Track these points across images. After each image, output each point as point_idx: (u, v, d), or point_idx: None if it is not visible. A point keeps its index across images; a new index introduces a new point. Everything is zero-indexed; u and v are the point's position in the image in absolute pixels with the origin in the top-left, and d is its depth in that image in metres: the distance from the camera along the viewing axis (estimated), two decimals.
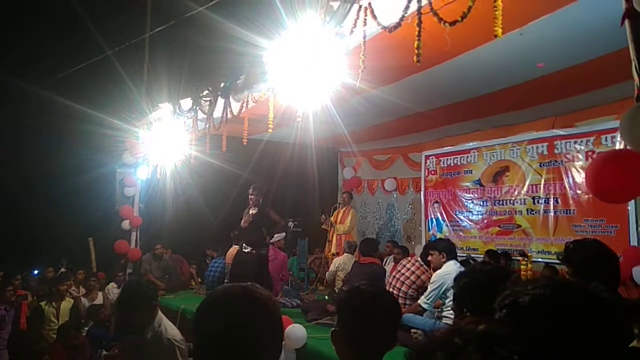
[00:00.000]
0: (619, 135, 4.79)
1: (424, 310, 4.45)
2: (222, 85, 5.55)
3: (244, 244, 6.16)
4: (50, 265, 7.53)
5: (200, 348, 1.20)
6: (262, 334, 1.17)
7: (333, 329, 1.73)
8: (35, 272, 7.65)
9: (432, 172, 8.55)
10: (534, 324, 0.96)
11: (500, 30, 2.61)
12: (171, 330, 2.93)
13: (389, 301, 1.75)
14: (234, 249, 6.73)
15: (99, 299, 6.88)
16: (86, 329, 6.16)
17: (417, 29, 3.13)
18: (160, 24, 6.65)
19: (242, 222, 6.25)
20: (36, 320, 6.02)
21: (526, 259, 6.44)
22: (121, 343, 3.06)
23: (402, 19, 3.24)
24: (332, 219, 8.77)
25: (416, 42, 3.16)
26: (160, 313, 2.96)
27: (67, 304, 6.45)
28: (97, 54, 7.25)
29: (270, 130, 4.82)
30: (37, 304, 6.36)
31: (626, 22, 2.11)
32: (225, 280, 6.53)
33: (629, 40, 2.08)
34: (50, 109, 7.42)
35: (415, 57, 3.19)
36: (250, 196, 6.18)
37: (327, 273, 7.17)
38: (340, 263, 6.80)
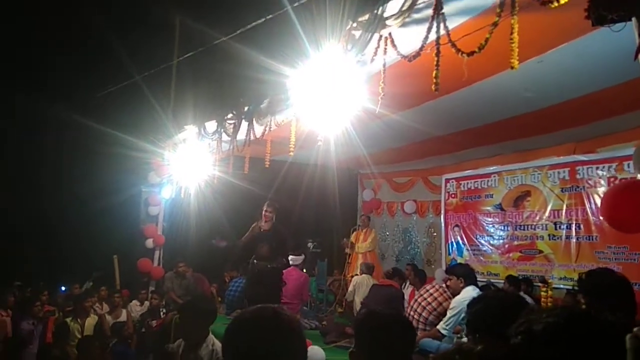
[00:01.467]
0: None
1: (443, 336, 4.44)
2: (246, 109, 5.72)
3: (255, 261, 6.22)
4: (77, 282, 7.71)
5: None
6: (288, 355, 1.23)
7: (351, 349, 1.79)
8: (63, 288, 7.84)
9: (453, 196, 8.54)
10: (544, 351, 1.03)
11: (516, 63, 2.68)
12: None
13: (404, 324, 1.81)
14: None
15: (123, 317, 7.00)
16: (110, 345, 6.28)
17: (436, 58, 3.23)
18: (187, 52, 6.90)
19: (244, 237, 6.34)
20: (61, 336, 6.15)
21: (546, 285, 6.36)
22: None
23: (421, 48, 3.34)
24: (352, 239, 8.80)
25: (434, 72, 3.25)
26: (211, 333, 3.03)
27: (91, 320, 6.59)
28: (126, 79, 7.54)
29: (291, 153, 4.94)
30: (63, 319, 6.51)
31: None
32: (245, 300, 6.59)
33: None
34: (83, 133, 7.71)
35: (433, 85, 3.29)
36: (265, 212, 6.28)
37: (346, 294, 7.22)
38: (357, 283, 6.83)
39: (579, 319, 1.05)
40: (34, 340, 6.14)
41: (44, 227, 8.07)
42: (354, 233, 8.96)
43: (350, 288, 6.99)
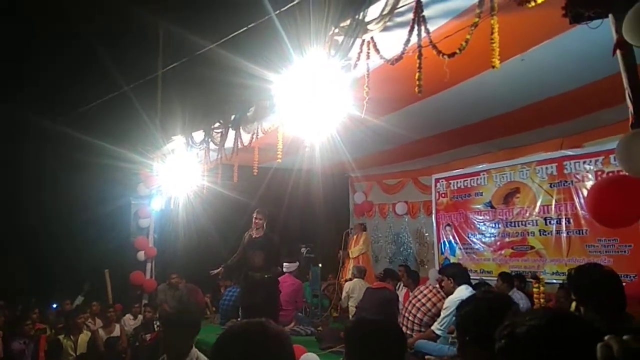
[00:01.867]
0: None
1: (438, 336, 4.44)
2: (232, 117, 5.70)
3: (249, 272, 6.15)
4: (67, 298, 7.62)
5: None
6: None
7: (342, 359, 1.78)
8: (54, 305, 7.74)
9: (443, 195, 8.57)
10: (528, 354, 1.02)
11: (497, 62, 2.70)
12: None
13: (393, 330, 1.80)
14: None
15: (116, 331, 6.93)
16: None
17: (418, 61, 3.24)
18: (173, 60, 6.87)
19: (234, 255, 6.32)
20: (54, 353, 6.08)
21: (538, 281, 6.39)
22: None
23: (403, 52, 3.36)
24: (348, 248, 8.79)
25: (417, 74, 3.26)
26: (194, 347, 2.95)
27: (84, 336, 6.51)
28: (114, 89, 7.48)
29: (279, 160, 4.93)
30: (55, 337, 6.43)
31: (618, 52, 2.19)
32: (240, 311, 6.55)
33: (621, 69, 2.15)
34: (68, 144, 7.62)
35: (416, 87, 3.30)
36: (255, 219, 6.23)
37: (341, 300, 7.21)
38: (350, 288, 6.81)
39: (561, 322, 1.05)
40: (26, 359, 6.05)
41: (29, 242, 7.95)
42: (348, 238, 8.96)
43: (344, 294, 6.97)
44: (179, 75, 6.88)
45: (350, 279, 7.87)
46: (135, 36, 7.71)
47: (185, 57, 6.33)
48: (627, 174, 2.10)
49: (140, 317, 7.50)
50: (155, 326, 7.00)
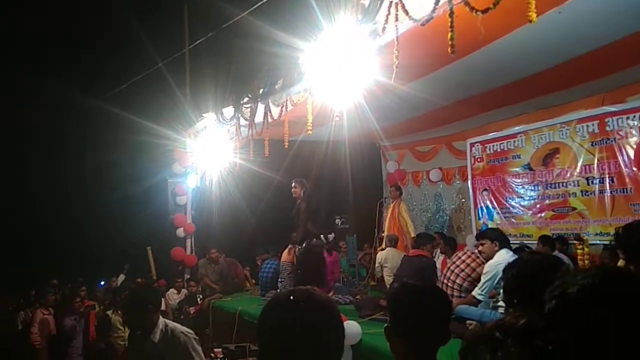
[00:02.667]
0: None
1: (479, 301, 4.40)
2: (261, 91, 5.68)
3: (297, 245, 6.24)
4: (113, 275, 7.92)
5: (265, 350, 1.26)
6: (325, 334, 1.21)
7: (386, 325, 1.77)
8: (102, 283, 8.07)
9: (479, 160, 8.38)
10: (580, 314, 0.98)
11: (534, 16, 2.56)
12: (180, 327, 3.05)
13: (438, 295, 1.78)
14: (293, 248, 6.86)
15: (162, 306, 7.17)
16: None
17: (450, 19, 3.11)
18: (203, 34, 6.88)
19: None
20: (104, 328, 6.35)
21: (582, 242, 6.22)
22: (130, 349, 3.13)
23: (433, 11, 3.23)
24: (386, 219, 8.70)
25: (449, 34, 3.14)
26: (161, 318, 3.02)
27: None
28: (149, 66, 7.58)
29: (309, 131, 4.89)
30: (104, 313, 6.71)
31: None
32: (279, 280, 6.65)
33: None
34: (106, 122, 7.82)
35: (449, 48, 3.18)
36: (292, 189, 6.30)
37: (375, 270, 7.21)
38: (383, 258, 6.79)
39: (615, 279, 1.00)
40: (78, 335, 6.36)
41: (72, 221, 8.24)
42: (385, 207, 8.88)
43: (377, 264, 6.96)
44: (209, 47, 6.89)
45: (383, 249, 7.88)
46: (166, 9, 7.76)
47: (215, 28, 6.31)
48: None
49: (183, 291, 7.74)
50: (199, 299, 7.22)
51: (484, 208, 8.24)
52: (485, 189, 8.22)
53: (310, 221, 6.21)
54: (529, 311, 0.92)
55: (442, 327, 1.73)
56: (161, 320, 2.99)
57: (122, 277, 8.16)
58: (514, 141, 7.72)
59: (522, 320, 0.62)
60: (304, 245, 6.14)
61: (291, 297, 1.27)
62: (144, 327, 2.94)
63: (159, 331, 2.92)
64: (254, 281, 8.46)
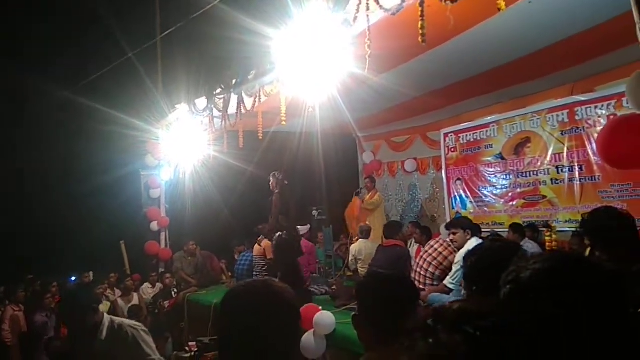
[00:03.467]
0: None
1: (451, 290, 4.46)
2: (234, 82, 5.61)
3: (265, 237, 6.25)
4: (85, 270, 7.77)
5: (224, 337, 1.28)
6: (281, 326, 1.24)
7: (353, 313, 1.77)
8: (73, 278, 7.91)
9: (452, 150, 8.47)
10: (534, 298, 0.98)
11: (503, 4, 2.57)
12: (127, 321, 3.04)
13: (404, 283, 1.78)
14: (262, 242, 6.82)
15: (135, 300, 7.09)
16: None
17: (420, 9, 3.11)
18: (174, 22, 6.76)
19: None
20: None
21: (550, 229, 6.36)
22: (76, 350, 3.10)
23: (404, 0, 3.22)
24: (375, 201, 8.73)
25: (420, 23, 3.14)
26: (106, 314, 3.00)
27: (104, 307, 6.65)
28: (120, 56, 7.42)
29: (283, 122, 4.86)
30: None
31: None
32: (254, 273, 6.63)
33: (632, 3, 2.03)
34: (78, 112, 7.64)
35: (420, 37, 3.18)
36: (269, 182, 6.34)
37: (349, 263, 7.23)
38: (357, 250, 6.80)
39: (568, 264, 1.00)
40: (49, 331, 6.24)
41: (40, 213, 8.05)
42: (359, 197, 8.92)
43: (350, 257, 6.96)
44: (181, 36, 6.77)
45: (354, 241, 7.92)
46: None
47: (187, 16, 6.20)
48: (638, 112, 2.02)
49: (158, 285, 7.66)
50: (173, 293, 7.14)
51: (458, 197, 8.34)
52: (459, 179, 8.31)
53: (283, 214, 6.21)
54: (475, 297, 0.91)
55: (410, 315, 1.74)
56: (106, 317, 2.96)
57: (91, 275, 7.95)
58: (487, 131, 7.81)
59: (456, 306, 0.61)
60: (276, 237, 6.12)
61: (249, 288, 1.29)
62: (87, 328, 2.87)
63: (105, 329, 2.89)
64: (230, 274, 8.41)
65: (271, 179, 6.41)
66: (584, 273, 0.94)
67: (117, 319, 3.01)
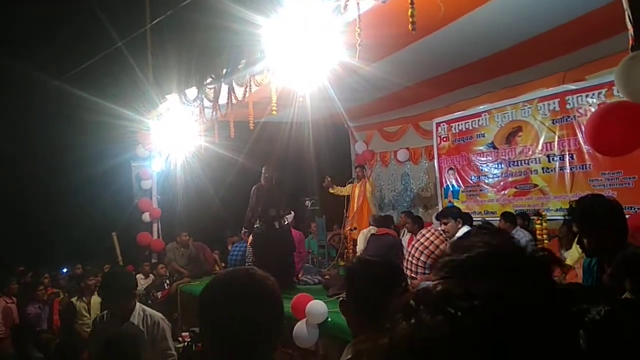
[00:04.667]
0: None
1: None
2: (224, 71, 5.57)
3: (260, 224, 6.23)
4: (77, 262, 7.74)
5: (206, 326, 1.28)
6: (261, 311, 1.23)
7: (341, 299, 1.77)
8: (64, 270, 7.89)
9: (444, 139, 8.48)
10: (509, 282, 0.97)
11: None
12: (157, 313, 3.19)
13: (391, 269, 1.78)
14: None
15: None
16: None
17: None
18: (163, 11, 6.68)
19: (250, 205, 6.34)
20: (69, 315, 6.24)
21: (540, 218, 6.40)
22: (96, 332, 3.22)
23: None
24: (345, 190, 8.72)
25: (410, 10, 3.13)
26: (137, 302, 3.15)
27: (97, 298, 6.66)
28: (109, 45, 7.33)
29: (274, 112, 4.84)
30: (69, 300, 6.59)
31: None
32: (247, 263, 6.65)
33: None
34: (68, 102, 7.56)
35: (410, 25, 3.17)
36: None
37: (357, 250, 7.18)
38: (367, 237, 6.77)
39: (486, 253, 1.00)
40: (42, 322, 6.23)
41: (31, 204, 8.00)
42: (350, 186, 8.91)
43: (360, 245, 6.94)
44: (171, 25, 6.70)
45: (356, 229, 7.92)
46: None
47: (177, 5, 6.12)
48: (626, 99, 2.02)
49: (151, 276, 7.65)
50: (166, 284, 7.14)
51: (450, 187, 8.37)
52: (451, 168, 8.34)
53: (272, 205, 6.21)
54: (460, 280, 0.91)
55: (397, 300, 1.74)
56: (138, 305, 3.10)
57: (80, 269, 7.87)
58: (478, 120, 7.83)
59: (440, 287, 0.61)
60: (254, 230, 6.14)
61: (231, 277, 1.30)
62: (120, 311, 3.03)
63: (137, 314, 3.03)
64: (223, 264, 8.41)
65: (262, 175, 6.37)
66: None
67: (148, 309, 3.13)
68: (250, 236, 6.58)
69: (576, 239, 5.45)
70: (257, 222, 6.21)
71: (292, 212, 7.23)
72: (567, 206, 6.42)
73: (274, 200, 6.18)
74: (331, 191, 8.77)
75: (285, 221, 6.22)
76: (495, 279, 0.61)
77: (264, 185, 6.25)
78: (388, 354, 0.59)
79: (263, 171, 6.32)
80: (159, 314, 3.17)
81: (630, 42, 2.03)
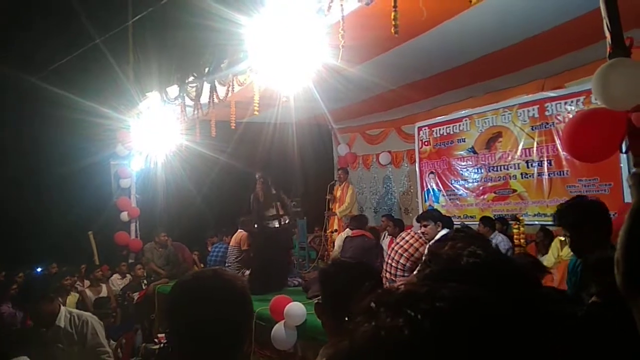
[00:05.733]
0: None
1: None
2: (206, 70, 5.52)
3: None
4: (52, 261, 7.58)
5: (174, 326, 1.26)
6: (230, 310, 1.22)
7: (316, 301, 1.76)
8: (39, 269, 7.71)
9: (426, 143, 8.54)
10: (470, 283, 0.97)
11: None
12: (84, 312, 3.28)
13: (366, 270, 1.78)
14: (240, 233, 6.79)
15: (104, 292, 6.96)
16: None
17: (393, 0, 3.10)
18: (144, 8, 6.58)
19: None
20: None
21: (518, 222, 6.49)
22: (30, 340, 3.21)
23: None
24: (330, 196, 8.76)
25: (393, 14, 3.14)
26: (62, 306, 3.18)
27: (72, 298, 6.54)
28: (87, 42, 7.19)
29: (256, 112, 4.81)
30: None
31: None
32: (227, 264, 6.59)
33: (600, 1, 2.06)
34: (42, 99, 7.40)
35: (393, 28, 3.18)
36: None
37: (333, 253, 7.20)
38: (342, 239, 6.79)
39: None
40: (17, 323, 6.07)
41: (9, 204, 7.80)
42: (333, 189, 8.92)
43: (336, 247, 6.97)
44: (152, 22, 6.61)
45: (337, 231, 7.92)
46: None
47: (157, 1, 6.04)
48: (603, 106, 2.05)
49: (128, 276, 7.53)
50: (143, 284, 7.04)
51: (431, 190, 8.43)
52: (432, 172, 8.40)
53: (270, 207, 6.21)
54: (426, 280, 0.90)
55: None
56: (63, 308, 3.13)
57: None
58: (459, 125, 7.90)
59: (402, 288, 0.59)
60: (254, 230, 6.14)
61: (198, 278, 1.29)
62: (42, 316, 3.05)
63: (62, 317, 3.06)
64: (202, 265, 8.33)
65: (257, 181, 6.36)
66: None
67: (75, 311, 3.20)
68: (236, 237, 6.58)
69: (554, 245, 5.53)
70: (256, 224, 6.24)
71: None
72: (545, 211, 6.54)
73: (272, 202, 6.21)
74: (326, 214, 8.76)
75: (285, 220, 6.23)
76: (466, 284, 0.60)
77: (258, 192, 6.23)
78: (348, 357, 0.57)
79: (257, 177, 6.30)
80: (88, 314, 3.25)
81: (608, 50, 2.06)
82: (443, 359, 0.50)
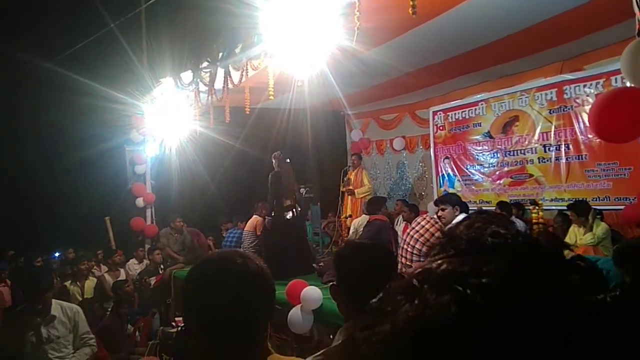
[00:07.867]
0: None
1: None
2: (220, 55, 5.49)
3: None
4: (69, 246, 7.69)
5: (190, 308, 1.23)
6: (254, 298, 1.18)
7: (331, 284, 1.75)
8: (57, 254, 7.84)
9: (441, 128, 8.45)
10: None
11: None
12: (68, 303, 3.73)
13: (381, 252, 1.76)
14: (255, 218, 6.82)
15: (122, 276, 7.04)
16: (111, 304, 6.34)
17: None
18: None
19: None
20: (62, 299, 6.19)
21: (537, 206, 6.41)
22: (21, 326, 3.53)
23: None
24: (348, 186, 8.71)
25: None
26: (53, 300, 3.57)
27: (90, 282, 6.64)
28: (101, 27, 7.20)
29: (271, 97, 4.78)
30: (62, 284, 6.54)
31: None
32: (242, 248, 6.63)
33: None
34: (58, 85, 7.44)
35: (410, 9, 3.12)
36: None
37: (349, 236, 7.18)
38: (359, 224, 6.78)
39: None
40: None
41: (23, 187, 7.92)
42: (346, 175, 8.88)
43: (351, 233, 6.95)
44: (165, 7, 6.58)
45: (351, 216, 7.90)
46: None
47: None
48: (632, 85, 1.99)
49: (145, 261, 7.61)
50: (160, 269, 7.11)
51: (446, 175, 8.37)
52: (447, 157, 8.32)
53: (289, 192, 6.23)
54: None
55: (386, 283, 1.72)
56: (53, 303, 3.50)
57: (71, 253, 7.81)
58: (475, 109, 7.80)
59: (444, 265, 0.56)
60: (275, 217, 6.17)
61: (216, 259, 1.26)
62: (46, 306, 3.41)
63: (55, 308, 3.47)
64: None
65: (273, 160, 6.37)
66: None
67: (59, 302, 3.61)
68: (265, 224, 6.60)
69: (571, 230, 5.45)
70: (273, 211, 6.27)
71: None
72: (562, 196, 6.46)
73: (291, 185, 6.21)
74: (343, 189, 8.72)
75: (297, 210, 6.25)
76: (506, 258, 0.57)
77: (279, 171, 6.24)
78: (390, 340, 0.54)
79: (277, 156, 6.27)
80: (74, 305, 3.72)
81: (637, 27, 2.00)
82: (496, 335, 0.48)
